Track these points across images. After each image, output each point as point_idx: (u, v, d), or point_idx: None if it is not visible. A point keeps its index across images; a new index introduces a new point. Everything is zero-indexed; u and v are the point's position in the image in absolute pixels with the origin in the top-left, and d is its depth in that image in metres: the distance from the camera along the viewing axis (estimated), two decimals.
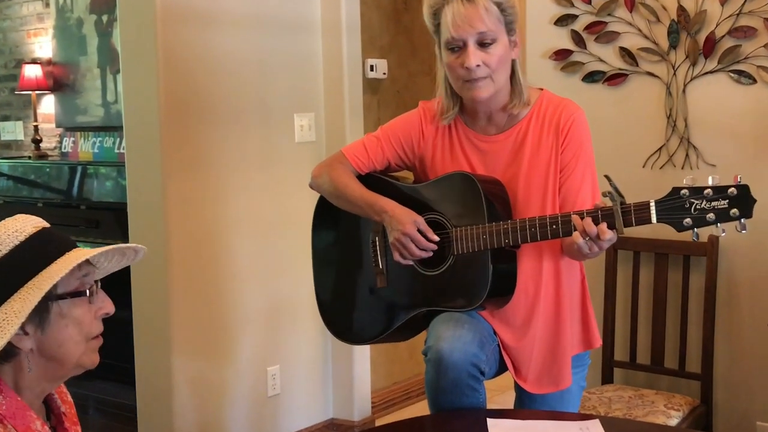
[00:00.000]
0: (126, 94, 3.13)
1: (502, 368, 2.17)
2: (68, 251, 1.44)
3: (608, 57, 3.17)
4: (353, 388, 3.66)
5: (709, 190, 1.80)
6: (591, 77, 3.20)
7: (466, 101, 2.12)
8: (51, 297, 1.40)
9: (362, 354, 3.69)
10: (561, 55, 3.26)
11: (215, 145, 3.19)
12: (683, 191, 1.82)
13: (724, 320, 3.02)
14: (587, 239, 1.87)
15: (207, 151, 3.16)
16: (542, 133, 2.09)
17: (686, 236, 1.87)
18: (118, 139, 4.92)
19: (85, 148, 5.19)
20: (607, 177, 1.86)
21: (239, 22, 3.26)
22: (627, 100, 3.15)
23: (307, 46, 3.53)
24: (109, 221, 4.28)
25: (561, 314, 2.13)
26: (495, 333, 2.13)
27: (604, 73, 3.18)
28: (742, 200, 1.78)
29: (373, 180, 2.24)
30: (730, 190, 1.79)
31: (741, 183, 1.79)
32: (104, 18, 5.05)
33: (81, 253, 1.44)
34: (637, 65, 3.10)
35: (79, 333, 1.44)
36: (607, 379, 3.12)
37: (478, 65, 2.00)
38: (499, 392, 3.57)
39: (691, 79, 3.01)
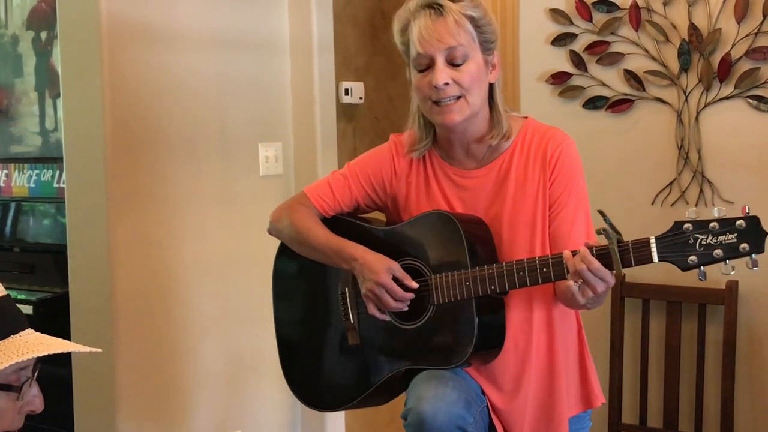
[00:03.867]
0: (67, 121, 3.12)
1: None
2: (14, 333, 1.39)
3: (612, 81, 3.20)
4: None
5: (715, 223, 1.82)
6: (592, 103, 3.23)
7: (439, 130, 2.14)
8: None
9: (336, 419, 3.66)
10: (559, 78, 3.29)
11: (168, 180, 3.18)
12: (686, 225, 1.83)
13: (745, 377, 3.03)
14: (580, 283, 1.88)
15: (159, 186, 3.15)
16: (528, 166, 2.10)
17: (701, 282, 1.88)
18: (57, 172, 4.89)
19: (20, 182, 5.15)
20: (601, 212, 1.87)
21: (197, 40, 3.27)
22: (633, 129, 3.18)
23: (273, 67, 3.54)
24: (46, 266, 4.24)
25: (556, 369, 2.12)
26: (483, 393, 2.13)
27: (607, 98, 3.21)
28: (753, 233, 1.80)
29: (340, 223, 2.24)
30: (738, 222, 1.81)
31: (750, 215, 1.81)
32: (43, 35, 5.05)
33: (30, 345, 1.37)
34: (644, 90, 3.14)
35: None
36: None
37: (446, 83, 2.02)
38: None
39: (705, 106, 3.04)
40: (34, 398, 1.45)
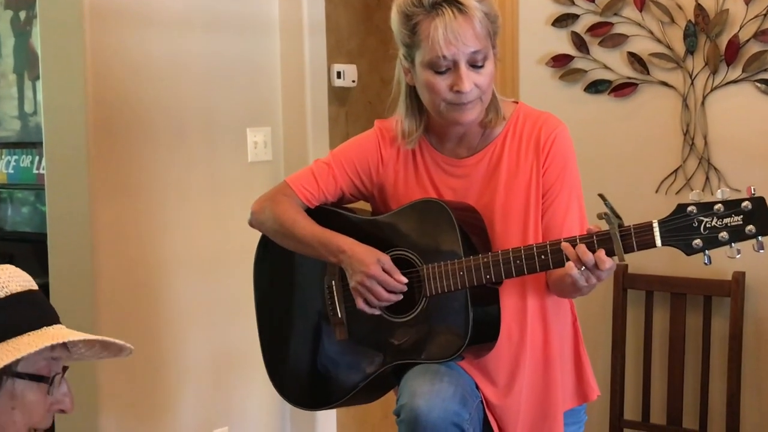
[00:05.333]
0: (47, 104, 3.11)
1: (487, 430, 2.16)
2: (47, 325, 1.43)
3: (615, 64, 3.21)
4: None
5: (720, 205, 1.83)
6: (595, 87, 3.25)
7: (440, 122, 2.14)
8: (8, 371, 1.39)
9: (327, 415, 3.66)
10: (560, 61, 3.30)
11: (153, 166, 3.18)
12: (690, 208, 1.85)
13: (752, 372, 3.05)
14: (583, 269, 1.90)
15: (143, 173, 3.15)
16: (520, 153, 2.12)
17: (707, 273, 1.89)
18: (37, 158, 4.89)
19: None
20: (601, 196, 1.89)
21: (183, 21, 3.26)
22: (636, 114, 3.19)
23: (262, 49, 3.54)
24: (25, 255, 4.25)
25: (550, 362, 2.15)
26: (477, 387, 2.14)
27: (609, 82, 3.22)
28: (759, 215, 1.82)
29: (324, 214, 2.25)
30: (744, 204, 1.83)
31: (756, 195, 1.83)
32: (21, 15, 5.04)
33: (60, 333, 1.42)
34: (649, 73, 3.15)
35: (23, 421, 1.43)
36: None
37: (471, 89, 2.02)
38: None
39: (712, 90, 3.06)
40: (64, 396, 1.48)
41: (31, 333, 1.40)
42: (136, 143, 3.13)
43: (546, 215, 2.11)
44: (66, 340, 1.42)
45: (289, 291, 2.37)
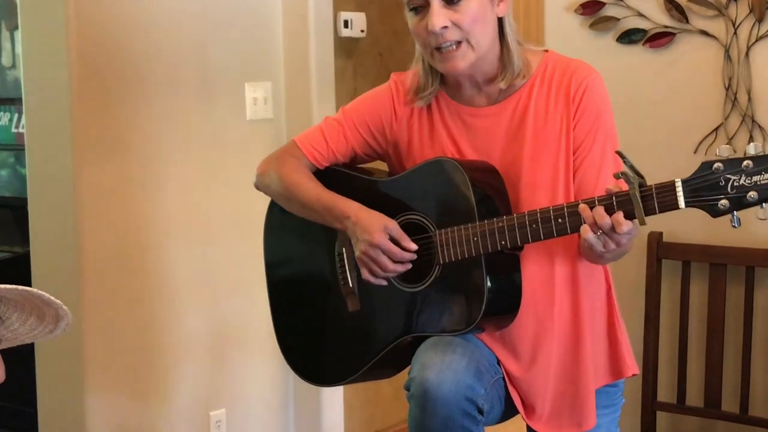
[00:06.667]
0: (26, 57, 3.13)
1: (509, 409, 2.18)
2: None
3: (650, 11, 3.18)
4: None
5: (749, 161, 1.80)
6: (628, 37, 3.21)
7: (444, 74, 2.15)
8: None
9: (334, 395, 3.70)
10: (590, 8, 3.27)
11: (143, 125, 3.18)
12: (716, 165, 1.82)
13: None
14: (599, 234, 1.89)
15: (132, 132, 3.15)
16: (548, 104, 2.12)
17: (749, 240, 1.88)
18: (16, 116, 4.89)
19: None
20: (619, 153, 1.88)
21: None
22: (674, 67, 3.16)
23: None
24: (3, 222, 4.26)
25: (581, 334, 2.14)
26: (499, 363, 2.15)
27: (645, 31, 3.19)
28: None
29: (334, 176, 2.26)
30: None
31: None
32: None
33: None
34: (687, 21, 3.12)
35: None
36: (648, 426, 3.13)
37: (444, 27, 2.02)
38: None
39: (757, 40, 3.03)
40: None
41: None
42: (125, 99, 3.14)
43: (578, 174, 2.10)
44: None
45: (301, 258, 2.39)
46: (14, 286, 1.36)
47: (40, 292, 1.39)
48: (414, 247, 2.09)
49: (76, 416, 3.08)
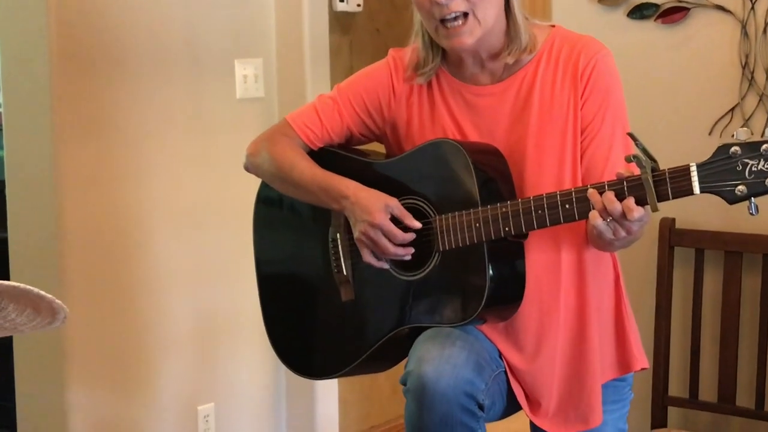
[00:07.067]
0: (2, 29, 3.11)
1: (511, 405, 2.18)
2: None
3: None
4: None
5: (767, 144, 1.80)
6: (640, 12, 3.20)
7: (448, 50, 2.16)
8: None
9: (328, 389, 3.71)
10: None
11: (126, 103, 3.18)
12: (734, 149, 1.82)
13: None
14: (609, 220, 1.88)
15: (115, 110, 3.15)
16: (555, 82, 2.11)
17: (766, 227, 1.86)
18: None
19: None
20: (631, 135, 1.88)
21: None
22: (688, 44, 3.15)
23: None
24: None
25: (587, 325, 2.14)
26: (501, 357, 2.15)
27: (657, 6, 3.17)
28: None
29: (329, 157, 2.27)
30: None
31: None
32: None
33: None
34: None
35: None
36: (658, 421, 3.13)
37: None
38: None
39: None
40: None
41: None
42: (108, 76, 3.14)
43: (585, 156, 2.10)
44: None
45: (292, 246, 2.39)
46: (2, 281, 1.39)
47: (28, 287, 1.40)
48: (417, 225, 2.09)
49: (57, 411, 3.08)
